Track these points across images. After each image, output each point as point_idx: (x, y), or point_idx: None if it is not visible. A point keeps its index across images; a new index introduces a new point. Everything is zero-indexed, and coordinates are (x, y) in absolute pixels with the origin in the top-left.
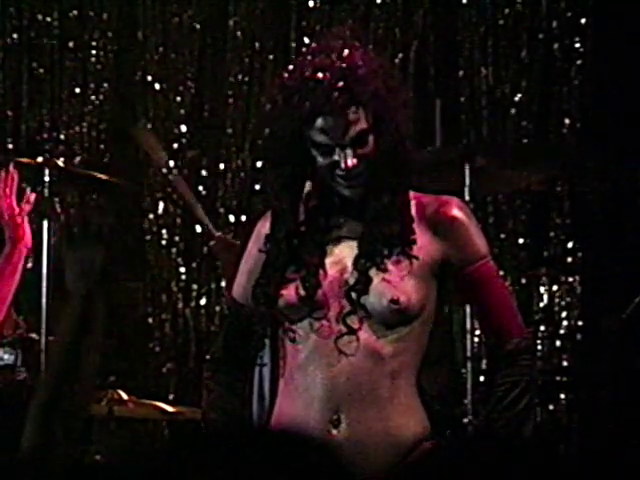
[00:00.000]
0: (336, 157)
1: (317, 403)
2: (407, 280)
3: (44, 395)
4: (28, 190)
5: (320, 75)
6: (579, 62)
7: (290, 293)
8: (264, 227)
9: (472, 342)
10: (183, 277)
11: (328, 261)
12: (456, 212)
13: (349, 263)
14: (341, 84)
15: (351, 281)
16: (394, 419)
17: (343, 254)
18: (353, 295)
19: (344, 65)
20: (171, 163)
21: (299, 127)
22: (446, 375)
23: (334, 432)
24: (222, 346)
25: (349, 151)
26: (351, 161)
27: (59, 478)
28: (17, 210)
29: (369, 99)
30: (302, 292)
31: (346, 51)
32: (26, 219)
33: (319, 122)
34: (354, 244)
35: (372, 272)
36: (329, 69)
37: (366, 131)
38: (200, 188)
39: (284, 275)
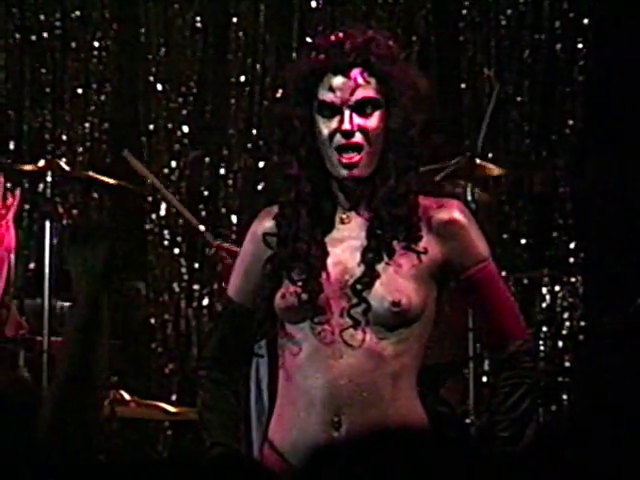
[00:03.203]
0: (338, 122)
1: (318, 405)
2: (408, 282)
3: (56, 394)
4: (17, 192)
5: (341, 37)
6: (581, 62)
7: (292, 296)
8: (260, 227)
9: (475, 342)
10: (185, 277)
11: (330, 262)
12: (457, 215)
13: (350, 264)
14: (358, 49)
15: (355, 278)
16: (395, 421)
17: (345, 254)
18: (358, 287)
19: (366, 36)
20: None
21: (309, 85)
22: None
23: (335, 434)
24: (217, 345)
25: (352, 114)
26: (350, 124)
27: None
28: None
29: (384, 71)
30: (304, 296)
31: (368, 32)
32: (10, 223)
33: (329, 79)
34: (357, 244)
35: (378, 266)
36: (349, 38)
37: (374, 101)
38: (202, 189)
39: (288, 275)
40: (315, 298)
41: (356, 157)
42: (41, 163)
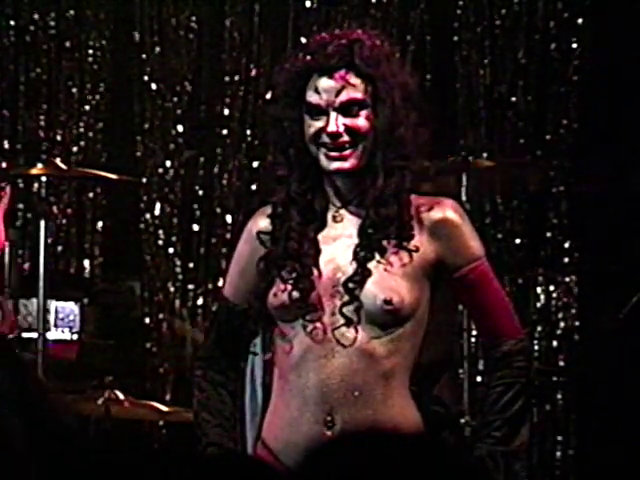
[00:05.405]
0: (324, 123)
1: (311, 404)
2: (400, 281)
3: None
4: (7, 189)
5: (326, 39)
6: (576, 62)
7: (283, 294)
8: (254, 226)
9: (469, 342)
10: (180, 277)
11: (322, 260)
12: (450, 213)
13: (342, 262)
14: (343, 50)
15: (347, 276)
16: (388, 420)
17: (337, 252)
18: (350, 285)
19: (351, 37)
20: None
21: (297, 86)
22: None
23: (328, 433)
24: (213, 345)
25: (338, 115)
26: (336, 125)
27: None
28: None
29: (369, 72)
30: (295, 294)
31: (355, 33)
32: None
33: (315, 81)
34: (349, 242)
35: (370, 264)
36: (334, 39)
37: (359, 102)
38: (197, 188)
39: (279, 274)
40: (306, 296)
41: (345, 152)
42: (35, 170)
